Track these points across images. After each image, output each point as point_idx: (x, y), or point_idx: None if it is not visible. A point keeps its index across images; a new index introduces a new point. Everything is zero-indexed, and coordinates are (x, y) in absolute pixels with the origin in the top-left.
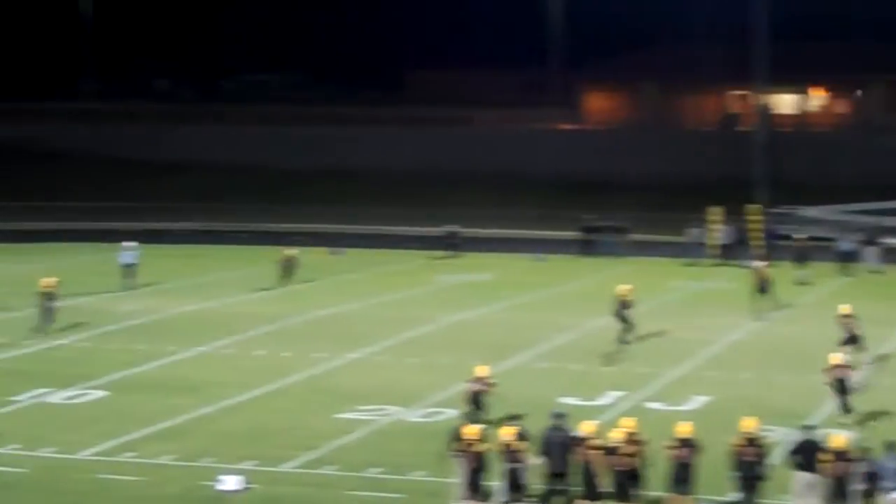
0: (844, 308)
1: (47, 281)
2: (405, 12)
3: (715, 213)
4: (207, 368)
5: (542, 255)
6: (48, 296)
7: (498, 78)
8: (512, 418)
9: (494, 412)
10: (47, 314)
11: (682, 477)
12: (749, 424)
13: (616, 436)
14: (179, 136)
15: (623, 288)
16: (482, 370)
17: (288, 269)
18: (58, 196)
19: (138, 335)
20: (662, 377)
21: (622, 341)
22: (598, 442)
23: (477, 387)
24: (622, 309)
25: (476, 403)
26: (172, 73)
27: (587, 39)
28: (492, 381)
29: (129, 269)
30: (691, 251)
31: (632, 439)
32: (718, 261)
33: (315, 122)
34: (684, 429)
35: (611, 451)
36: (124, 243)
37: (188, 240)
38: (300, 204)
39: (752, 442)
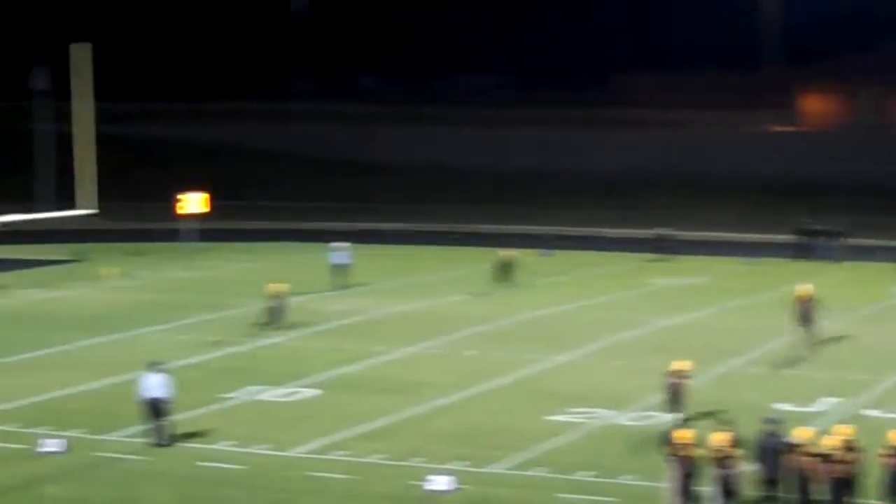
0: None
1: (276, 287)
2: (617, 14)
3: None
4: (418, 368)
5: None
6: (277, 299)
7: (712, 80)
8: (709, 415)
9: (693, 409)
10: (275, 315)
11: None
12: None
13: (831, 443)
14: (390, 136)
15: (803, 288)
16: (680, 364)
17: (505, 271)
18: (270, 196)
19: (349, 335)
20: (880, 384)
21: (808, 344)
22: (813, 449)
23: (674, 380)
24: (806, 310)
25: (673, 397)
26: (383, 74)
27: (804, 41)
28: (688, 374)
29: (340, 269)
30: None
31: (848, 447)
32: None
33: (524, 125)
34: None
35: (826, 458)
36: (334, 244)
37: (399, 240)
38: (509, 205)
39: None
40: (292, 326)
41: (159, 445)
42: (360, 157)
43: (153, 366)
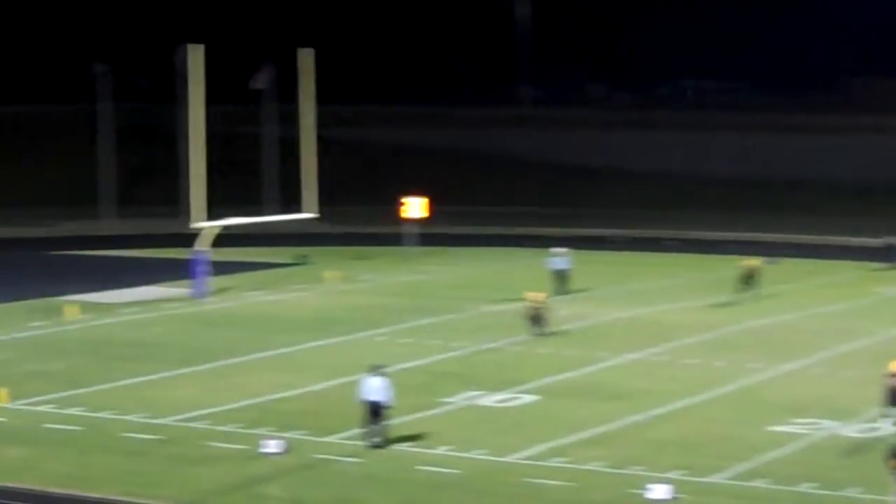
0: None
1: (534, 295)
2: (851, 17)
3: None
4: (639, 375)
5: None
6: (535, 309)
7: None
8: None
9: None
10: (537, 322)
11: None
12: None
13: None
14: (615, 142)
15: None
16: None
17: (748, 280)
18: (493, 201)
19: (570, 341)
20: None
21: None
22: None
23: (894, 382)
24: None
25: (892, 398)
26: (608, 79)
27: None
28: None
29: (560, 274)
30: None
31: None
32: None
33: (754, 130)
34: None
35: None
36: (554, 249)
37: (623, 247)
38: (735, 212)
39: None
40: (511, 331)
41: (375, 447)
42: (586, 162)
43: (375, 369)
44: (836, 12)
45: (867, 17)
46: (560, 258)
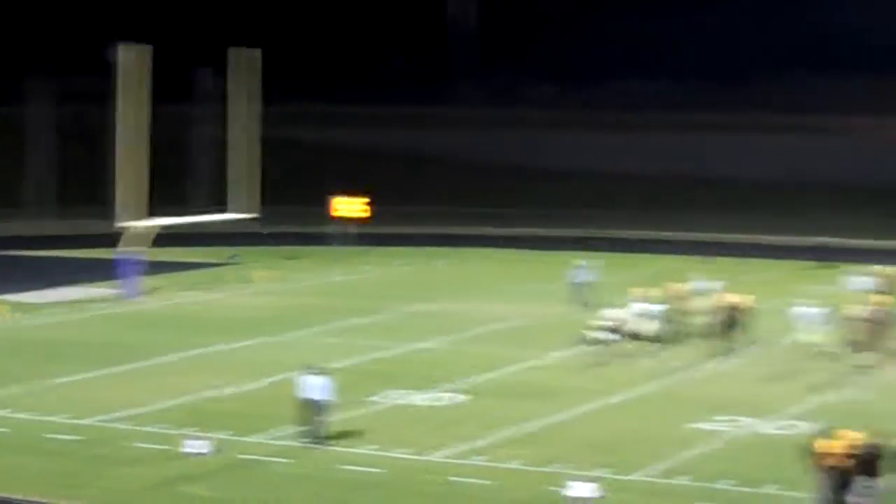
0: None
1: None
2: (771, 18)
3: None
4: (564, 374)
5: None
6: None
7: (871, 85)
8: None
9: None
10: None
11: None
12: None
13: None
14: (554, 143)
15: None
16: None
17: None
18: (429, 201)
19: (500, 339)
20: None
21: None
22: None
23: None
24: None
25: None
26: (549, 79)
27: None
28: None
29: (581, 286)
30: None
31: None
32: None
33: (688, 130)
34: None
35: None
36: (575, 262)
37: (561, 246)
38: (674, 211)
39: None
40: (441, 330)
41: (312, 445)
42: (523, 162)
43: (312, 367)
44: (768, 13)
45: (799, 18)
46: (582, 270)
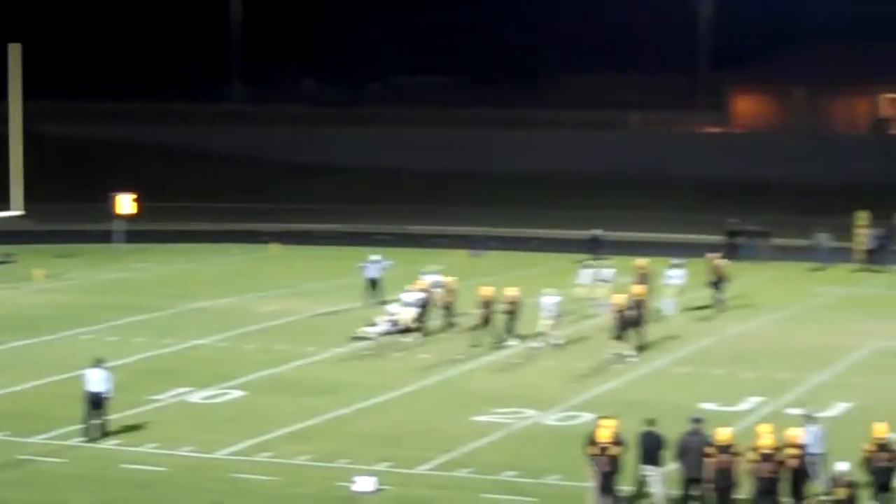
0: None
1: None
2: (550, 15)
3: (861, 218)
4: (345, 370)
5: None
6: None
7: (647, 81)
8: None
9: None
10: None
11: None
12: (881, 430)
13: (767, 442)
14: (325, 138)
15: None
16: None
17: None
18: (204, 197)
19: (277, 336)
20: (805, 383)
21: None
22: (742, 448)
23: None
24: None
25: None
26: (319, 76)
27: (736, 42)
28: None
29: (373, 282)
30: (820, 257)
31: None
32: (864, 266)
33: (459, 125)
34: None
35: (767, 457)
36: (372, 257)
37: (333, 241)
38: (443, 206)
39: (884, 447)
40: (217, 327)
41: (93, 441)
42: (294, 158)
43: (97, 362)
44: (535, 10)
45: (566, 14)
46: (374, 265)
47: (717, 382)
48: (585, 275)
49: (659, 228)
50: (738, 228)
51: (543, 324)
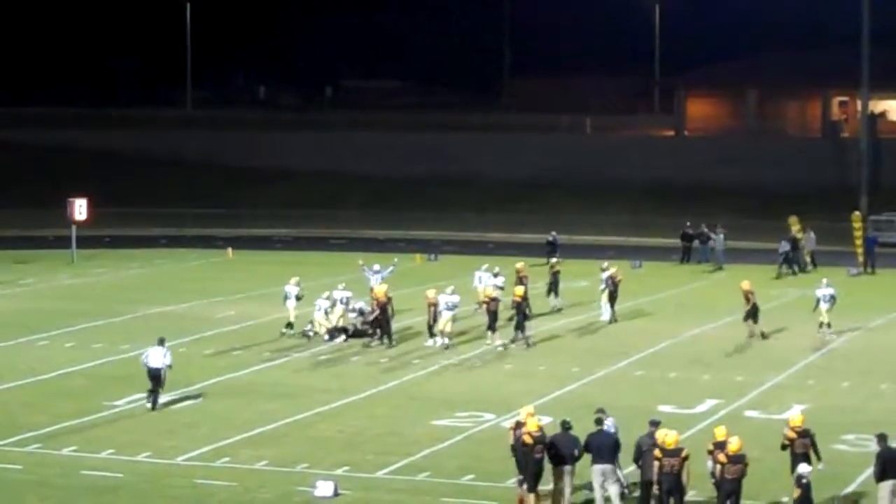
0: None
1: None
2: (508, 19)
3: (793, 222)
4: (303, 374)
5: (638, 263)
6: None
7: (600, 85)
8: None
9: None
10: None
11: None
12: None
13: (735, 447)
14: (279, 143)
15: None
16: None
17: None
18: (160, 203)
19: (235, 341)
20: (761, 385)
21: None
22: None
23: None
24: None
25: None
26: (273, 81)
27: (689, 46)
28: None
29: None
30: (717, 256)
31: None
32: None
33: (413, 129)
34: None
35: (735, 459)
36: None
37: (288, 246)
38: (398, 210)
39: (803, 434)
40: (179, 333)
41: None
42: (249, 163)
43: (161, 341)
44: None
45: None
46: (376, 275)
47: (675, 385)
48: (479, 278)
49: (612, 232)
50: (690, 232)
51: (444, 322)
